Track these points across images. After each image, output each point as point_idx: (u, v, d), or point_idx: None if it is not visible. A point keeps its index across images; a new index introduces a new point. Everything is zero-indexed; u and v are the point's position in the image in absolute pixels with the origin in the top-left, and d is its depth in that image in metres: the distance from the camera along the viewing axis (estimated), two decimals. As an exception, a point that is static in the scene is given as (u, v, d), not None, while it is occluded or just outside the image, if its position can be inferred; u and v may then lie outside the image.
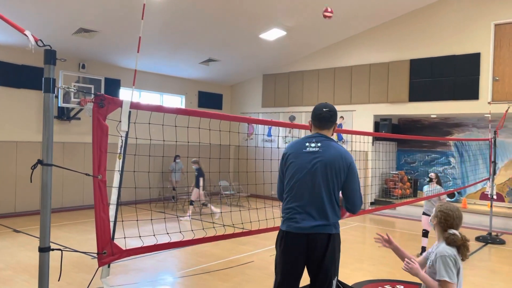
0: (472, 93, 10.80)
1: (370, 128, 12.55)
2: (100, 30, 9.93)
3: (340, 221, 3.18)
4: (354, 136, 11.55)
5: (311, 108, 3.33)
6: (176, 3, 9.27)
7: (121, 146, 2.92)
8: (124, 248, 2.93)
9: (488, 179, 9.88)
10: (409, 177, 13.35)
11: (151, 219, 4.40)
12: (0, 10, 7.49)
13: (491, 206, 9.52)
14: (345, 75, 13.05)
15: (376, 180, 12.93)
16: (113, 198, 2.89)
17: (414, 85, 11.78)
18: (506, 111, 9.69)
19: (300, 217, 3.04)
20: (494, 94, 10.47)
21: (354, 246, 8.24)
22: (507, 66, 10.35)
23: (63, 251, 2.62)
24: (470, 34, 10.88)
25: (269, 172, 5.52)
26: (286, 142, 13.73)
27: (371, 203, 12.69)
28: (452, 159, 13.12)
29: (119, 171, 2.92)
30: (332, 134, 3.28)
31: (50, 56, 2.42)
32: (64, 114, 10.99)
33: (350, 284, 5.18)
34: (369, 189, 12.35)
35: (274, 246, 3.23)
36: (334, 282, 3.06)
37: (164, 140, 4.59)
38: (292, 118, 14.15)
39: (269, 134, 14.83)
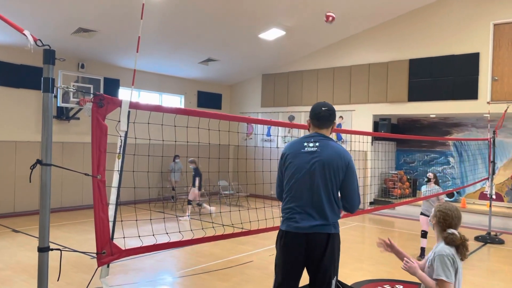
0: (471, 93, 10.80)
1: (369, 128, 12.56)
2: (99, 30, 9.93)
3: (339, 221, 3.18)
4: (353, 136, 11.56)
5: (310, 108, 3.33)
6: (175, 3, 9.26)
7: (120, 146, 2.92)
8: (123, 248, 2.93)
9: (487, 178, 9.89)
10: (408, 177, 13.36)
11: (150, 219, 4.40)
12: (-1, 9, 7.51)
13: (490, 205, 9.53)
14: (345, 75, 13.06)
15: (375, 180, 12.94)
16: (112, 198, 2.88)
17: (413, 85, 11.78)
18: (505, 111, 9.70)
19: (299, 217, 3.04)
20: (493, 94, 10.48)
21: (354, 246, 8.25)
22: (506, 66, 10.36)
23: (62, 251, 2.61)
24: (469, 34, 10.89)
25: (269, 172, 5.52)
26: (285, 142, 13.73)
27: (370, 203, 12.69)
28: (451, 159, 13.13)
29: (118, 171, 2.92)
30: (331, 133, 3.28)
31: (49, 55, 2.42)
32: (63, 114, 10.98)
33: (349, 284, 5.19)
34: (368, 189, 12.36)
35: (274, 246, 3.23)
36: (334, 282, 3.06)
37: (163, 140, 4.59)
38: (292, 118, 14.15)
39: (269, 134, 14.84)
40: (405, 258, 2.88)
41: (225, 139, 14.61)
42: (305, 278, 3.12)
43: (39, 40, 2.36)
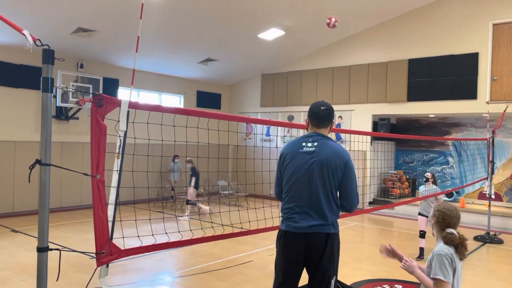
0: (470, 93, 10.81)
1: (368, 127, 12.56)
2: (98, 29, 9.92)
3: (338, 220, 3.18)
4: (352, 135, 11.56)
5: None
6: (174, 2, 9.26)
7: (120, 146, 2.91)
8: (122, 248, 2.93)
9: (486, 178, 9.91)
10: (407, 177, 13.37)
11: (150, 219, 4.40)
12: (-2, 9, 7.51)
13: (489, 205, 9.54)
14: (344, 75, 13.06)
15: (375, 180, 12.95)
16: (112, 198, 2.88)
17: (413, 85, 11.79)
18: (504, 110, 9.71)
19: (298, 216, 3.04)
20: (492, 93, 10.49)
21: (353, 246, 8.25)
22: (505, 66, 10.37)
23: (61, 251, 2.61)
24: (469, 34, 10.90)
25: (268, 172, 5.52)
26: (284, 142, 13.73)
27: (370, 203, 12.70)
28: (450, 159, 13.14)
29: (117, 170, 2.92)
30: (329, 132, 3.28)
31: (48, 55, 2.41)
32: (62, 114, 10.98)
33: (349, 284, 5.19)
34: (367, 189, 12.36)
35: (273, 245, 3.23)
36: (333, 281, 3.06)
37: (162, 140, 4.59)
38: (291, 117, 14.15)
39: (268, 134, 14.84)
40: (404, 257, 2.89)
41: (224, 139, 14.61)
42: (304, 278, 3.13)
43: (38, 40, 2.36)
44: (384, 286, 5.81)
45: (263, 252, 7.45)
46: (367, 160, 12.21)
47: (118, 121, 2.90)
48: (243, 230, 4.16)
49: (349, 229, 9.85)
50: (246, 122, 14.18)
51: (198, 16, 10.09)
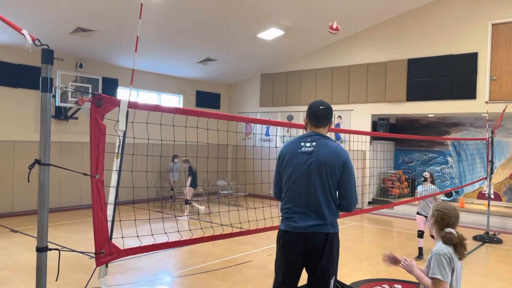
0: (469, 93, 10.82)
1: (368, 127, 12.57)
2: (97, 29, 9.91)
3: (337, 220, 3.18)
4: (352, 135, 11.56)
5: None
6: (174, 2, 9.26)
7: (119, 146, 2.91)
8: (122, 248, 2.93)
9: (486, 178, 9.91)
10: (406, 177, 13.38)
11: (149, 219, 4.40)
12: (-3, 9, 7.50)
13: (488, 205, 9.55)
14: (343, 75, 13.07)
15: (374, 180, 12.95)
16: (111, 197, 2.88)
17: (412, 85, 11.80)
18: (504, 110, 9.72)
19: (297, 216, 3.05)
20: (491, 93, 10.50)
21: (352, 246, 8.25)
22: (505, 66, 10.38)
23: (60, 251, 2.61)
24: (468, 34, 10.90)
25: (267, 172, 5.52)
26: (283, 142, 13.73)
27: (369, 203, 12.70)
28: (449, 159, 13.15)
29: (116, 170, 2.92)
30: (328, 132, 3.28)
31: (48, 55, 2.41)
32: (61, 114, 10.97)
33: (348, 283, 5.19)
34: (367, 189, 12.37)
35: (272, 245, 3.23)
36: (332, 281, 3.06)
37: (162, 140, 4.59)
38: (290, 117, 14.16)
39: (267, 134, 14.84)
40: (404, 257, 2.90)
41: (223, 139, 14.59)
42: (304, 278, 3.13)
43: (37, 39, 2.36)
44: (384, 285, 5.81)
45: (263, 252, 7.45)
46: (367, 160, 12.21)
47: (117, 121, 2.90)
48: (242, 230, 4.16)
49: (348, 229, 9.85)
50: (245, 122, 14.18)
51: (197, 16, 10.09)
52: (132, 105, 2.98)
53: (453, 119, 12.94)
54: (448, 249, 2.71)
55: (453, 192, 12.31)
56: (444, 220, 2.80)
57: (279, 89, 14.56)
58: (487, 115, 9.91)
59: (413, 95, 11.76)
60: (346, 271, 6.31)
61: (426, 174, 7.61)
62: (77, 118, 11.24)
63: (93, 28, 9.85)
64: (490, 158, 9.74)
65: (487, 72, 10.58)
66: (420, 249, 7.31)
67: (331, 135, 3.01)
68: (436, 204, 2.93)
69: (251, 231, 4.20)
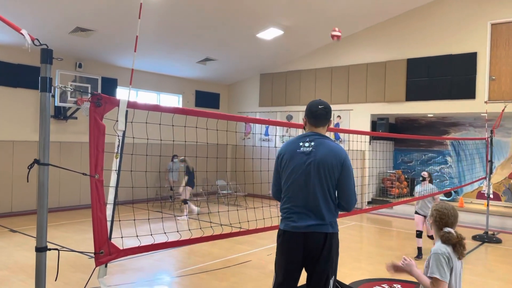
0: (468, 93, 10.83)
1: (367, 127, 12.57)
2: (96, 29, 9.91)
3: (337, 220, 3.18)
4: (351, 135, 11.57)
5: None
6: (173, 2, 9.25)
7: (118, 146, 2.91)
8: (121, 248, 2.92)
9: (485, 178, 9.92)
10: (406, 176, 13.38)
11: (148, 219, 4.40)
12: (-4, 9, 7.49)
13: (487, 205, 9.56)
14: (343, 75, 13.07)
15: (373, 179, 12.95)
16: (110, 197, 2.88)
17: (411, 85, 11.80)
18: (503, 110, 9.73)
19: (296, 216, 3.05)
20: (490, 93, 10.51)
21: (352, 245, 8.26)
22: (504, 66, 10.39)
23: (60, 251, 2.61)
24: (467, 34, 10.91)
25: (267, 172, 5.52)
26: (283, 141, 13.71)
27: (368, 202, 12.71)
28: (449, 158, 13.16)
29: (116, 170, 2.92)
30: (327, 132, 3.28)
31: (47, 55, 2.41)
32: (61, 114, 10.97)
33: (347, 283, 5.20)
34: (366, 189, 12.37)
35: (272, 245, 3.24)
36: (331, 281, 3.05)
37: (161, 140, 4.58)
38: (290, 117, 14.16)
39: (267, 134, 14.84)
40: (403, 256, 2.90)
41: (223, 139, 14.57)
42: (303, 278, 3.13)
43: (37, 39, 2.35)
44: (383, 285, 5.82)
45: (262, 251, 7.45)
46: (366, 160, 12.22)
47: (117, 120, 2.90)
48: (241, 229, 4.16)
49: (348, 228, 9.85)
50: (244, 122, 14.19)
51: (196, 15, 10.09)
52: (131, 105, 2.98)
53: (452, 119, 12.95)
54: (447, 249, 2.71)
55: (452, 192, 12.31)
56: (443, 220, 2.80)
57: (279, 89, 14.56)
58: (486, 115, 9.92)
59: (412, 95, 11.77)
60: (345, 271, 6.31)
61: (425, 174, 7.61)
62: (76, 118, 11.23)
63: (92, 28, 9.84)
64: (489, 158, 9.75)
65: (486, 72, 10.59)
66: (419, 249, 7.31)
67: (331, 135, 3.00)
68: (435, 204, 2.94)
69: (251, 231, 4.20)
